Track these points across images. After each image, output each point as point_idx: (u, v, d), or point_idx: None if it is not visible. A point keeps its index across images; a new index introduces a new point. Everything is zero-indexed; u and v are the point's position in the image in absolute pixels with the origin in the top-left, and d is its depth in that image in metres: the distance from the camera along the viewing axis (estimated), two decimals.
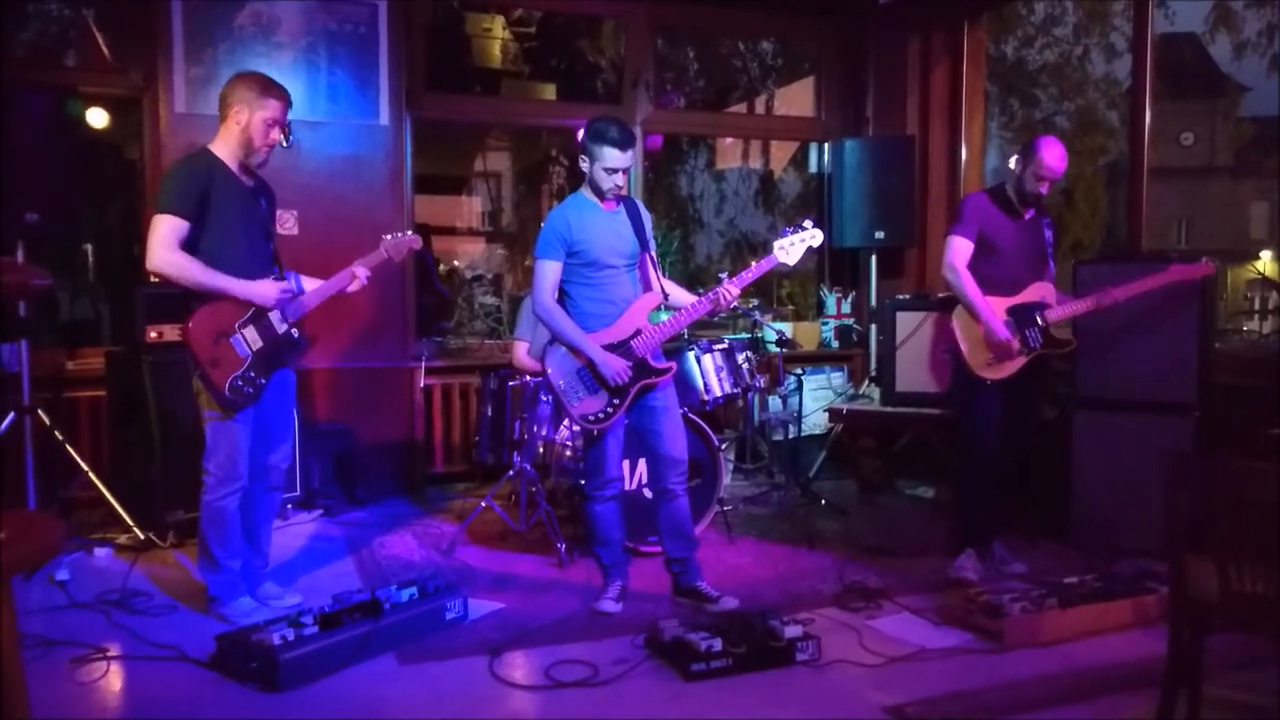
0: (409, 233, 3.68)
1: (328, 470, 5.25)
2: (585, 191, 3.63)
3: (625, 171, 3.55)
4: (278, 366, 3.51)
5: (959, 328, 4.03)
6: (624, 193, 3.62)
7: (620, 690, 2.96)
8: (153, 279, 3.62)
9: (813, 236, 3.67)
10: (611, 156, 3.49)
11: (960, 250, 4.01)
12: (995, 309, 3.96)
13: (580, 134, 3.64)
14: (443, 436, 5.77)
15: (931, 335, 5.31)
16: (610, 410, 3.56)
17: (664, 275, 3.74)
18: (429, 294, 6.29)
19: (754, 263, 3.69)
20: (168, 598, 3.74)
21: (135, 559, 4.16)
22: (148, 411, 4.40)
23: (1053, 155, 3.93)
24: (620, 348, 3.57)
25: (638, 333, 3.59)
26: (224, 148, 3.44)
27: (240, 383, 3.38)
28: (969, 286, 3.96)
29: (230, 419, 3.40)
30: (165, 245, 3.29)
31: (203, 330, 3.36)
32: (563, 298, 3.61)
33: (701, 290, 3.80)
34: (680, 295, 3.74)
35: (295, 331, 3.53)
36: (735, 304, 3.66)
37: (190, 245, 3.34)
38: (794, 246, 3.65)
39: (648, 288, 3.71)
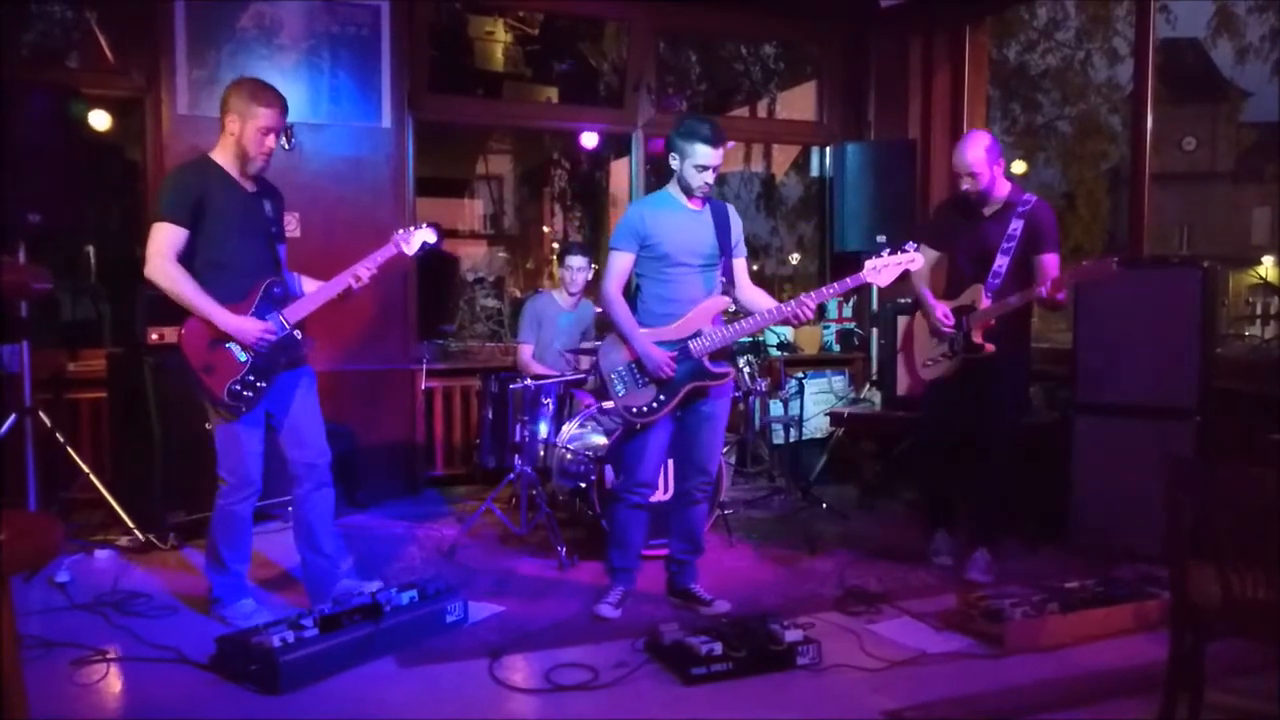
0: (424, 225, 3.63)
1: None
2: (671, 188, 3.63)
3: (715, 169, 3.53)
4: (284, 368, 3.48)
5: (912, 331, 4.31)
6: (711, 190, 3.59)
7: (620, 693, 2.96)
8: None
9: (911, 260, 3.45)
10: (704, 154, 3.48)
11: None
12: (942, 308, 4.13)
13: (669, 132, 3.61)
14: (443, 439, 5.78)
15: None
16: (656, 405, 3.54)
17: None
18: (448, 284, 6.22)
19: (835, 281, 3.52)
20: (168, 599, 3.74)
21: (133, 560, 4.15)
22: (148, 413, 4.40)
23: (954, 151, 4.02)
24: (676, 346, 3.55)
25: (697, 334, 3.56)
26: (223, 154, 3.42)
27: (239, 387, 3.35)
28: (919, 287, 4.12)
29: (234, 423, 3.39)
30: (162, 255, 3.27)
31: (197, 336, 3.33)
32: (634, 289, 3.64)
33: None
34: (761, 302, 3.63)
35: (298, 333, 3.51)
36: (811, 317, 3.56)
37: (188, 251, 3.32)
38: (888, 268, 3.44)
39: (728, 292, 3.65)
